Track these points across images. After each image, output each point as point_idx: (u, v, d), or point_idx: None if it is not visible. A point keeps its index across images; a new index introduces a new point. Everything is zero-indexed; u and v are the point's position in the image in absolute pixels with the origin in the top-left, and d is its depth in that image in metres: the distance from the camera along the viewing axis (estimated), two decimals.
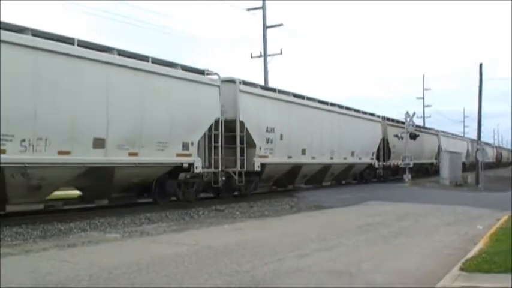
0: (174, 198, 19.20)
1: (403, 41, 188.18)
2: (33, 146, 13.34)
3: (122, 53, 16.29)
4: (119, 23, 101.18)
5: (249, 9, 36.57)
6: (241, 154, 21.42)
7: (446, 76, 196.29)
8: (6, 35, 12.86)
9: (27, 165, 13.36)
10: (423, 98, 78.14)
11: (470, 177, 41.85)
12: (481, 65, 44.18)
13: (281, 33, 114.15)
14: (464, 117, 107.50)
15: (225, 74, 21.12)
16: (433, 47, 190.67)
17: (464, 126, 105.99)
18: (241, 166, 21.40)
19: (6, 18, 13.12)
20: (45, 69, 13.74)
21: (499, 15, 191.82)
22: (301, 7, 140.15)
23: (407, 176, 37.40)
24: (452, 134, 65.25)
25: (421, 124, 60.88)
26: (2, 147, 12.72)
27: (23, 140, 13.16)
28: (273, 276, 8.03)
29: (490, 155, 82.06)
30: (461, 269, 8.10)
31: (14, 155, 12.93)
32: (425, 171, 48.02)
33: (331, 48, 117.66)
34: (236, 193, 22.41)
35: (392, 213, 17.86)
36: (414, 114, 41.18)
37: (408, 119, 39.15)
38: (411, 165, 37.90)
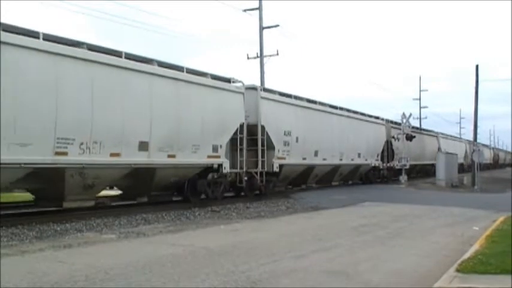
0: (203, 196, 20.41)
1: (400, 42, 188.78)
2: (89, 148, 14.85)
3: (160, 64, 17.74)
4: (113, 23, 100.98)
5: (245, 10, 36.45)
6: (262, 156, 22.93)
7: (442, 77, 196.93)
8: (69, 50, 14.36)
9: (84, 165, 14.81)
10: (419, 99, 78.25)
11: (466, 178, 41.91)
12: (477, 66, 44.17)
13: (278, 34, 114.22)
14: (460, 118, 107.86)
15: (221, 75, 21.16)
16: (430, 48, 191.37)
17: (460, 128, 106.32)
18: (262, 167, 22.88)
19: (6, 19, 13.17)
20: (100, 80, 15.20)
21: (497, 16, 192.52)
22: (298, 8, 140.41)
23: (403, 177, 37.49)
24: (451, 136, 66.70)
25: (418, 126, 61.05)
26: (64, 150, 14.11)
27: (82, 144, 14.62)
28: (269, 277, 8.04)
29: (488, 156, 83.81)
30: (458, 270, 8.11)
31: (74, 156, 14.37)
32: (427, 172, 48.77)
33: (328, 49, 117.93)
34: (257, 192, 23.61)
35: (388, 215, 17.90)
36: (410, 115, 41.27)
37: (404, 120, 39.24)
38: (407, 167, 38.10)
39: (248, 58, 36.90)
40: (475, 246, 10.57)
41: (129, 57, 16.41)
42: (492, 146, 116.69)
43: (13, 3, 42.64)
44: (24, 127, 12.96)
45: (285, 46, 77.60)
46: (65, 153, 14.09)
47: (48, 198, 15.33)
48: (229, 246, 10.81)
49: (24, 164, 13.16)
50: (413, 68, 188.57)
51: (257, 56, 36.42)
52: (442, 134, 58.31)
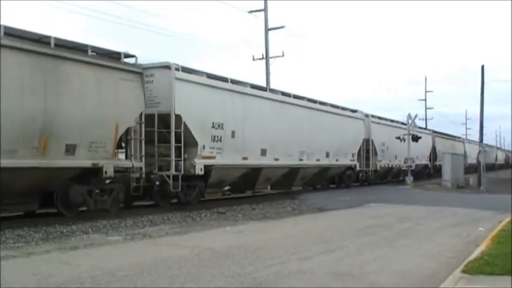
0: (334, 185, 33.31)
1: (405, 43, 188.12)
2: (309, 157, 27.14)
3: (332, 105, 30.83)
4: (115, 24, 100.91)
5: (250, 12, 36.46)
6: (372, 159, 35.95)
7: (447, 78, 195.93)
8: (304, 103, 27.42)
9: (307, 166, 27.31)
10: (425, 100, 78.17)
11: (472, 179, 41.72)
12: (483, 67, 44.07)
13: (283, 35, 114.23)
14: (466, 119, 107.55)
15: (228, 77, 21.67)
16: (435, 49, 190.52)
17: (466, 129, 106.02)
18: (372, 166, 36.04)
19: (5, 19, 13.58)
20: (315, 118, 27.83)
21: (501, 16, 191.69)
22: (303, 9, 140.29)
23: (409, 178, 37.45)
24: (473, 141, 74.58)
25: (424, 126, 61.29)
26: (302, 157, 26.26)
27: (307, 154, 26.78)
28: (275, 278, 8.03)
29: (501, 157, 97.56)
30: (463, 271, 8.07)
31: (304, 161, 26.67)
32: None
33: (333, 50, 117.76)
34: (366, 183, 35.88)
35: (394, 216, 17.84)
36: (416, 116, 41.40)
37: (410, 121, 39.21)
38: (413, 167, 38.22)
39: (254, 59, 36.97)
40: (481, 247, 10.51)
41: (319, 102, 29.00)
42: (503, 148, 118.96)
43: (13, 3, 42.61)
44: (289, 147, 25.00)
45: (290, 46, 77.75)
46: (302, 160, 26.37)
47: (284, 185, 26.84)
48: (234, 248, 10.80)
49: (288, 165, 25.19)
50: (419, 69, 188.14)
51: (263, 57, 36.46)
52: (467, 139, 73.62)
